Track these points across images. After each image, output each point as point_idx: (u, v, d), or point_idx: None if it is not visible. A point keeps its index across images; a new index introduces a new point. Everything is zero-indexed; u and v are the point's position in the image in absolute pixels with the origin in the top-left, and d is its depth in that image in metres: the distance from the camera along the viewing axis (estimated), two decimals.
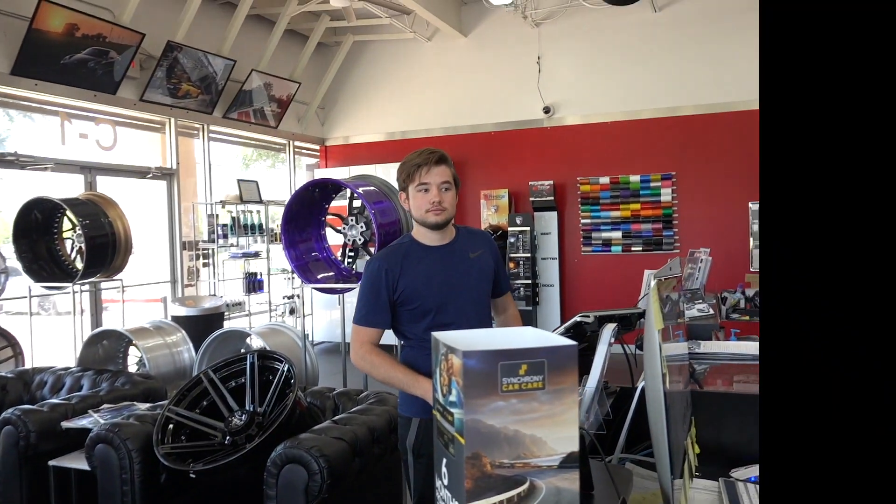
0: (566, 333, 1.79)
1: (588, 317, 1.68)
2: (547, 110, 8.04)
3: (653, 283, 1.18)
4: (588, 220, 7.93)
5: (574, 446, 0.71)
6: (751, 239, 7.19)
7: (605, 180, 7.85)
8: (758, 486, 1.64)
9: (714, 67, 7.32)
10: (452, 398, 0.72)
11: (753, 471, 1.70)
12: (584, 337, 1.74)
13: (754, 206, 7.14)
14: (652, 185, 7.66)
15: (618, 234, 7.82)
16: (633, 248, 7.76)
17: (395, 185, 2.27)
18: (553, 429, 0.71)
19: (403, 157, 2.18)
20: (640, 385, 1.74)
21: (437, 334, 0.80)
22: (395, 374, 1.98)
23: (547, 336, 0.78)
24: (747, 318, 4.29)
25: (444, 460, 0.76)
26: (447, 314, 2.06)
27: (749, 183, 7.14)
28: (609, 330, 1.46)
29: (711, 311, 3.50)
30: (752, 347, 2.86)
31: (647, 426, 1.41)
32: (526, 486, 0.70)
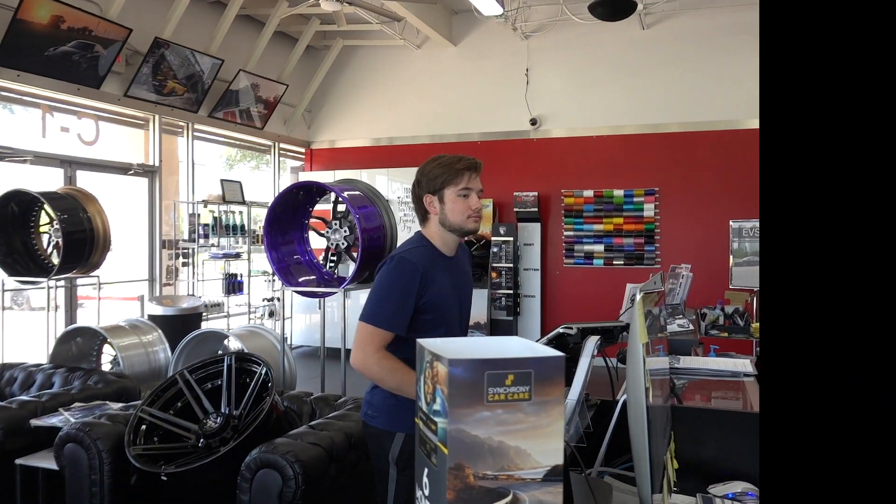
0: (549, 344, 1.78)
1: (571, 328, 1.67)
2: (533, 122, 8.07)
3: (638, 296, 1.18)
4: (571, 233, 7.96)
5: (559, 459, 0.70)
6: (731, 256, 7.25)
7: (589, 193, 7.89)
8: (734, 503, 1.64)
9: (700, 86, 7.41)
10: (436, 407, 0.71)
11: (731, 487, 1.70)
12: (567, 348, 1.74)
13: (735, 225, 7.20)
14: (635, 199, 7.71)
15: (600, 248, 7.86)
16: (614, 262, 7.80)
17: (380, 189, 2.24)
18: (538, 441, 0.69)
19: (431, 159, 2.09)
20: (621, 398, 1.74)
21: (422, 341, 0.79)
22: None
23: (534, 346, 0.77)
24: (726, 334, 4.32)
25: (426, 470, 0.74)
26: (454, 329, 2.02)
27: (730, 201, 7.22)
28: (592, 342, 1.45)
29: (691, 327, 3.52)
30: (731, 364, 2.88)
31: (626, 439, 1.41)
32: (509, 498, 0.69)
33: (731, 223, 7.25)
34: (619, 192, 7.77)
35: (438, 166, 2.05)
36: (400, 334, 1.95)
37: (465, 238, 2.14)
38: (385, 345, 1.94)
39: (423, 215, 2.10)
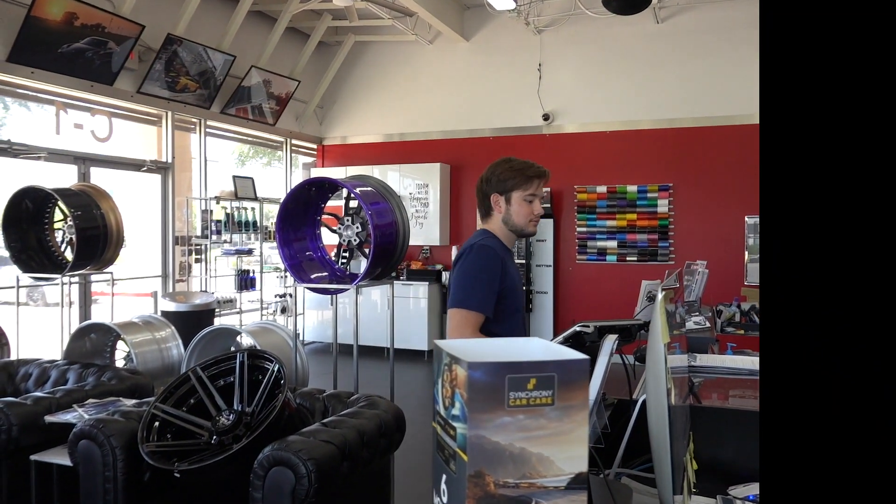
0: (565, 343, 1.75)
1: (588, 326, 1.64)
2: (546, 117, 8.02)
3: (660, 295, 1.14)
4: (584, 229, 7.91)
5: (583, 466, 0.67)
6: (746, 253, 7.18)
7: (602, 189, 7.84)
8: None
9: (714, 81, 7.33)
10: (455, 411, 0.68)
11: (752, 489, 1.66)
12: (583, 347, 1.71)
13: (751, 220, 7.13)
14: (649, 195, 7.65)
15: (613, 244, 7.81)
16: (628, 259, 7.75)
17: (392, 186, 2.28)
18: (561, 447, 0.67)
19: (503, 160, 2.20)
20: (639, 398, 1.71)
21: (439, 342, 0.76)
22: None
23: (556, 349, 0.74)
24: (742, 331, 4.27)
25: (444, 477, 0.72)
26: (519, 318, 2.16)
27: (746, 197, 7.14)
28: (610, 341, 1.42)
29: (708, 324, 3.47)
30: (748, 362, 2.84)
31: (643, 440, 1.38)
32: None
33: (746, 219, 7.19)
34: (632, 188, 7.71)
35: (510, 169, 2.16)
36: (489, 316, 2.06)
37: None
38: (479, 328, 2.05)
39: (486, 211, 2.23)
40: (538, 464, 0.67)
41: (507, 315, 2.10)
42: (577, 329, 1.66)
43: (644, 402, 1.57)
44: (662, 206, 7.60)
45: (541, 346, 0.77)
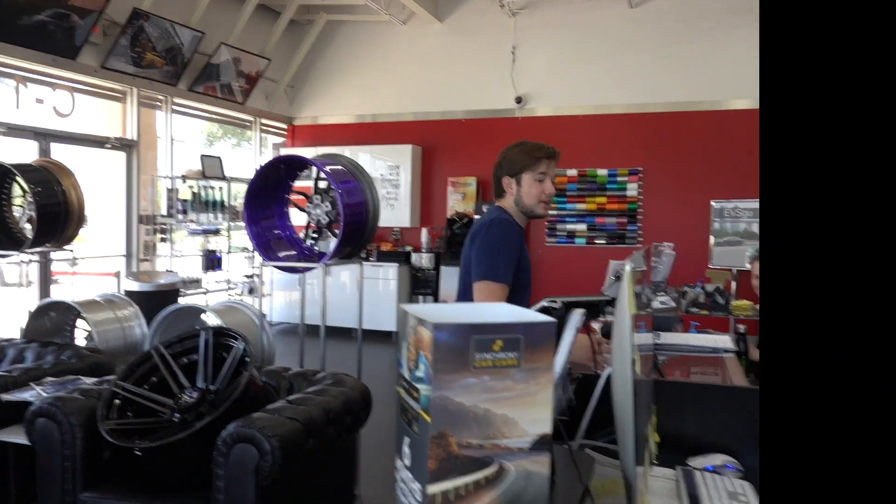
0: None
1: (555, 302, 1.65)
2: (519, 100, 8.01)
3: (628, 267, 1.15)
4: (553, 212, 7.95)
5: (547, 428, 0.67)
6: (711, 237, 7.29)
7: (572, 172, 7.87)
8: (714, 475, 1.64)
9: (686, 67, 7.38)
10: (419, 374, 0.68)
11: (710, 459, 1.70)
12: None
13: (716, 205, 7.24)
14: (619, 179, 7.71)
15: (583, 227, 7.87)
16: (596, 241, 7.82)
17: (364, 165, 2.29)
18: (526, 409, 0.67)
19: (514, 144, 2.26)
20: (604, 373, 1.73)
21: (405, 306, 0.75)
22: None
23: (523, 312, 0.74)
24: (706, 312, 4.34)
25: (407, 440, 0.71)
26: (528, 294, 2.20)
27: (713, 182, 7.24)
28: (577, 315, 1.43)
29: (673, 304, 3.52)
30: (710, 340, 2.89)
31: (606, 413, 1.39)
32: (494, 468, 0.66)
33: (712, 203, 7.29)
34: (602, 172, 7.76)
35: (520, 152, 2.22)
36: (509, 287, 2.11)
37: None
38: (505, 299, 2.08)
39: (499, 193, 2.30)
40: (503, 425, 0.66)
41: (518, 288, 2.15)
42: (545, 304, 1.67)
43: (609, 376, 1.58)
44: (632, 189, 7.67)
45: (508, 310, 0.77)
